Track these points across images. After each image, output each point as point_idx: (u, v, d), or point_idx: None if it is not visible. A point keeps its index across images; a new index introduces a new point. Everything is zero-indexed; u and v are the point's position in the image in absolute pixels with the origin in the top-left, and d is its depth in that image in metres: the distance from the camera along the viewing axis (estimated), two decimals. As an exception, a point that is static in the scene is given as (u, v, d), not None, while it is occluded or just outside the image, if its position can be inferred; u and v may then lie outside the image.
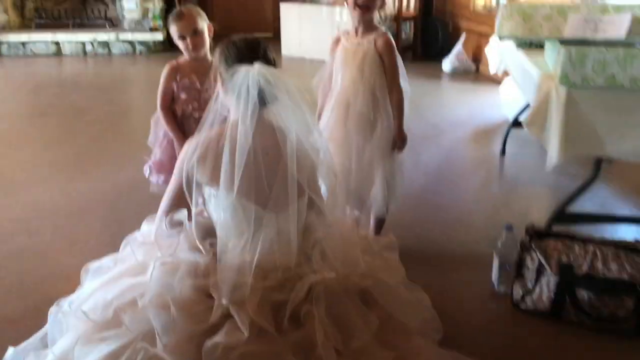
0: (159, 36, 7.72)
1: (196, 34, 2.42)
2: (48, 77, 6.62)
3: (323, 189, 1.79)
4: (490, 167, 3.91)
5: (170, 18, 2.43)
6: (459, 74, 6.62)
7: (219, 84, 1.73)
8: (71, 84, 6.24)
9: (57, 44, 7.70)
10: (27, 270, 2.50)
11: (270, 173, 1.67)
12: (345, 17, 6.95)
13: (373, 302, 1.72)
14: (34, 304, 2.23)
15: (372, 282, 1.70)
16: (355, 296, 1.68)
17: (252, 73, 1.62)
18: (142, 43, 7.81)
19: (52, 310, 1.83)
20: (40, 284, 2.40)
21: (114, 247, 2.41)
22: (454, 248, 2.75)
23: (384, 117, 2.44)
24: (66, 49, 7.73)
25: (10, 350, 1.83)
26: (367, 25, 2.43)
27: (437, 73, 6.73)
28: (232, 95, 1.66)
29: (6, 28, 7.80)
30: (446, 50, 7.04)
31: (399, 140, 2.44)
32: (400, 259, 2.01)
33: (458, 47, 6.71)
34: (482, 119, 4.91)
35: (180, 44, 2.43)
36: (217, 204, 1.67)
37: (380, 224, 2.61)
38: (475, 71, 6.71)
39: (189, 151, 1.68)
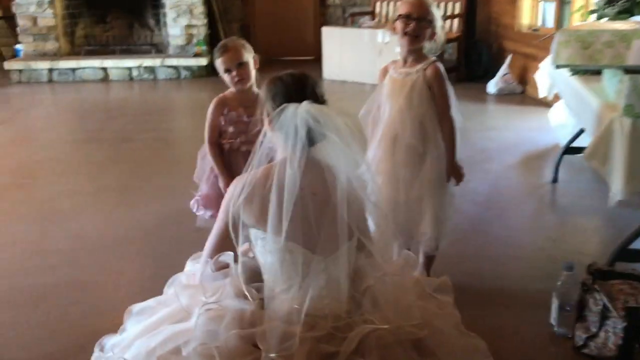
0: (203, 61, 7.81)
1: (241, 66, 2.39)
2: (95, 103, 6.75)
3: (372, 230, 1.70)
4: (542, 196, 3.75)
5: (215, 52, 2.41)
6: (504, 96, 6.46)
7: (266, 121, 1.68)
8: (117, 109, 6.35)
9: (104, 69, 7.87)
10: (71, 304, 2.49)
11: (319, 215, 1.60)
12: (387, 39, 6.89)
13: (428, 352, 1.62)
14: (77, 342, 2.21)
15: (428, 332, 1.60)
16: (410, 347, 1.58)
17: (300, 112, 1.56)
18: (186, 68, 7.91)
19: (95, 352, 1.80)
20: (84, 319, 2.38)
21: (157, 282, 2.38)
22: (507, 285, 2.61)
23: (434, 149, 2.35)
24: (113, 75, 7.89)
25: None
26: (416, 54, 2.35)
27: (482, 95, 6.59)
28: (279, 134, 1.60)
29: (57, 55, 8.03)
30: (490, 72, 6.90)
31: (453, 175, 2.36)
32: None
33: (504, 68, 6.56)
34: (531, 143, 4.75)
35: (226, 77, 2.41)
36: (264, 247, 1.61)
37: (430, 260, 2.51)
38: (522, 93, 6.55)
39: (235, 192, 1.62)
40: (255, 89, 2.46)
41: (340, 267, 1.58)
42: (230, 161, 2.47)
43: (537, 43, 5.57)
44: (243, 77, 2.40)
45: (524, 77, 6.56)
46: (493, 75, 6.69)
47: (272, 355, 1.45)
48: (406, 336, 1.58)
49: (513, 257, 2.86)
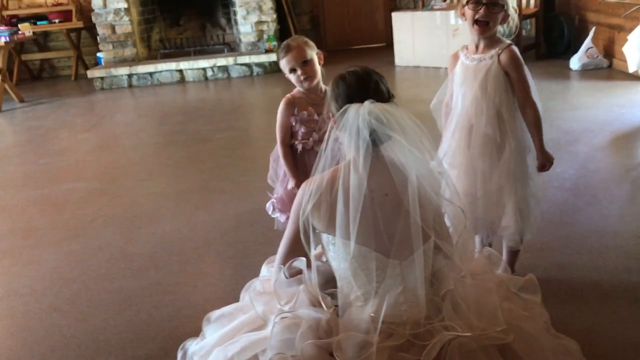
0: (274, 57, 7.86)
1: (306, 64, 2.34)
2: (173, 105, 6.95)
3: (451, 230, 1.62)
4: (636, 178, 3.49)
5: (279, 53, 2.37)
6: (589, 72, 6.11)
7: (331, 122, 1.63)
8: (194, 110, 6.50)
9: (180, 71, 8.08)
10: (155, 308, 2.55)
11: (391, 217, 1.53)
12: (460, 21, 6.67)
13: (515, 356, 1.52)
14: (162, 345, 2.27)
15: (514, 336, 1.51)
16: (495, 353, 1.49)
17: (361, 113, 1.50)
18: (258, 65, 7.99)
19: (179, 357, 1.84)
20: (168, 322, 2.43)
21: (237, 284, 2.42)
22: (602, 278, 2.44)
23: (512, 138, 2.22)
24: (189, 76, 8.09)
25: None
26: (488, 39, 2.22)
27: (565, 72, 6.26)
28: (344, 135, 1.55)
29: (135, 60, 8.32)
30: (573, 47, 6.54)
31: (544, 162, 2.24)
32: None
33: (587, 42, 6.19)
34: (621, 121, 4.45)
35: (291, 77, 2.37)
36: (336, 253, 1.57)
37: (514, 256, 2.38)
38: (608, 67, 6.16)
39: (303, 198, 1.59)
40: (322, 85, 2.41)
41: (417, 270, 1.51)
42: (304, 162, 2.43)
43: (625, 14, 5.22)
44: (309, 75, 2.35)
45: (609, 51, 6.18)
46: (576, 50, 6.34)
47: None
48: (491, 342, 1.49)
49: (608, 248, 2.67)
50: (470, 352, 1.46)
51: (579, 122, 4.48)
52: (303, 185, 1.64)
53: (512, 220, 2.23)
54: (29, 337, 2.42)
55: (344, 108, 1.54)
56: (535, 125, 2.20)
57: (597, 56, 6.19)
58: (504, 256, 2.37)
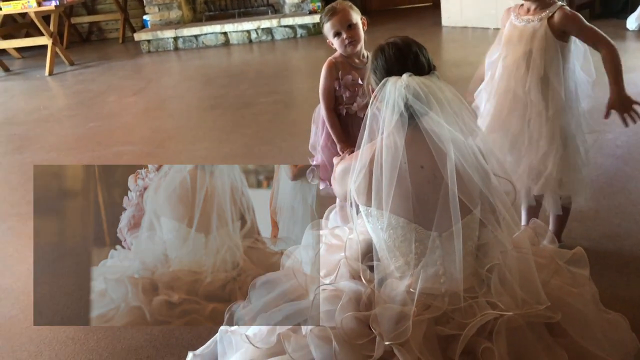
0: (318, 18, 7.76)
1: (351, 28, 2.30)
2: (218, 68, 6.98)
3: (498, 205, 1.59)
4: (694, 145, 3.36)
5: (323, 17, 2.33)
6: (648, 32, 5.83)
7: (372, 94, 1.61)
8: (238, 73, 6.52)
9: (225, 34, 8.08)
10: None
11: (431, 189, 1.52)
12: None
13: (561, 331, 1.51)
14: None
15: (562, 313, 1.49)
16: (542, 328, 1.48)
17: (398, 85, 1.48)
18: (302, 27, 7.92)
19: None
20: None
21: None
22: (655, 250, 2.38)
23: (554, 103, 2.14)
24: (233, 39, 8.09)
25: (190, 356, 1.91)
26: (539, 1, 2.14)
27: (621, 32, 5.98)
28: (383, 108, 1.53)
29: (180, 23, 8.36)
30: (630, 5, 6.23)
31: (620, 104, 2.04)
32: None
33: (647, 0, 5.90)
34: (680, 85, 4.26)
35: (335, 41, 2.33)
36: (374, 225, 1.57)
37: (561, 225, 2.34)
38: (669, 26, 5.86)
39: (344, 170, 1.60)
40: (364, 51, 2.37)
41: (456, 243, 1.50)
42: (347, 127, 2.41)
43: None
44: (354, 39, 2.31)
45: (671, 9, 5.86)
46: (633, 9, 6.04)
47: (387, 342, 1.43)
48: (538, 319, 1.48)
49: (660, 218, 2.60)
50: (517, 329, 1.45)
51: (634, 86, 4.28)
52: (347, 159, 1.64)
53: (556, 184, 2.18)
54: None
55: (382, 81, 1.53)
56: (612, 61, 2.04)
57: (657, 15, 5.90)
58: (551, 226, 2.33)
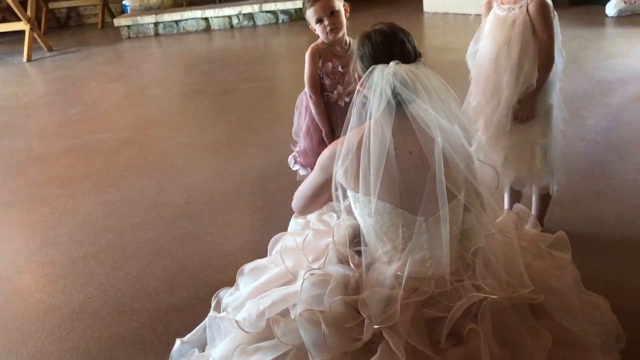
0: (300, 4, 7.72)
1: (333, 15, 2.29)
2: (199, 54, 6.92)
3: (482, 190, 1.62)
4: (671, 131, 3.43)
5: (305, 3, 2.32)
6: (626, 18, 5.90)
7: (358, 81, 1.62)
8: (220, 59, 6.47)
9: (206, 19, 8.01)
10: (189, 257, 2.63)
11: (417, 175, 1.54)
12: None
13: (544, 313, 1.55)
14: (195, 293, 2.35)
15: (544, 295, 1.52)
16: (526, 310, 1.52)
17: (386, 73, 1.49)
18: (284, 12, 7.88)
19: (212, 306, 1.90)
20: (201, 271, 2.50)
21: (266, 235, 2.47)
22: (631, 233, 2.43)
23: (524, 89, 2.20)
24: (214, 24, 8.02)
25: (178, 343, 1.91)
26: (521, -12, 2.16)
27: (600, 18, 6.06)
28: (370, 95, 1.54)
29: (161, 8, 8.26)
30: (610, -9, 6.29)
31: (524, 112, 2.21)
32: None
33: (625, -14, 5.96)
34: (658, 71, 4.32)
35: (317, 28, 2.33)
36: (362, 210, 1.59)
37: (543, 209, 2.39)
38: (647, 13, 5.94)
39: (330, 155, 1.61)
40: (347, 37, 2.38)
41: (443, 227, 1.52)
42: (329, 115, 2.42)
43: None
44: (336, 26, 2.30)
45: (649, -5, 5.93)
46: (613, -5, 6.11)
47: (375, 325, 1.45)
48: (521, 300, 1.51)
49: (639, 203, 2.65)
50: (501, 310, 1.49)
51: (613, 72, 4.35)
52: (332, 144, 1.65)
53: (536, 169, 2.23)
54: (67, 284, 2.52)
55: (369, 69, 1.53)
56: (541, 77, 2.17)
57: (635, 1, 5.96)
58: (533, 210, 2.38)
